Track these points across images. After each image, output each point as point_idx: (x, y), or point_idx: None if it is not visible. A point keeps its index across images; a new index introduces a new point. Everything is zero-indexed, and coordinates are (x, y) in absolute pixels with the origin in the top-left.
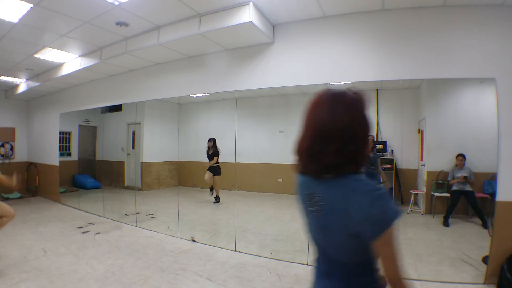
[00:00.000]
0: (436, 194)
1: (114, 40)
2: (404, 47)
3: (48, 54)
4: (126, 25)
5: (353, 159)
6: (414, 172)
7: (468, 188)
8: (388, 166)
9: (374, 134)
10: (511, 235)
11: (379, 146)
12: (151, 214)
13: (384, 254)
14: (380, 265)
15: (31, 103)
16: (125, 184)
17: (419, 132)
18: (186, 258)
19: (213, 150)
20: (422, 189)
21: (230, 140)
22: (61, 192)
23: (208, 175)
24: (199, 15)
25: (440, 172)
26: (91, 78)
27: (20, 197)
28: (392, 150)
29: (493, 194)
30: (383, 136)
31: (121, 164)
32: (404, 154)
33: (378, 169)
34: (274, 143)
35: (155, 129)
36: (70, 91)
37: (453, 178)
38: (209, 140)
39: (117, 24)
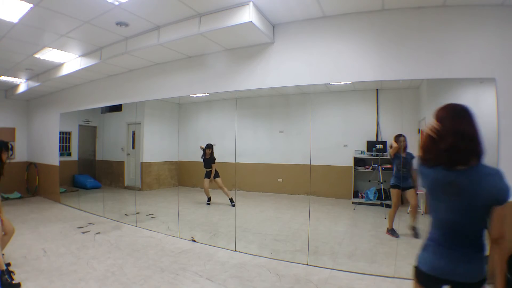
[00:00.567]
0: None
1: (114, 40)
2: (404, 47)
3: (48, 54)
4: (126, 25)
5: (478, 154)
6: (414, 172)
7: None
8: (388, 166)
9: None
10: (511, 235)
11: (379, 146)
12: (151, 214)
13: (500, 216)
14: (491, 226)
15: (31, 103)
16: (125, 184)
17: (419, 132)
18: (186, 258)
19: (210, 156)
20: (422, 189)
21: (230, 140)
22: (61, 192)
23: (207, 183)
24: (199, 15)
25: None
26: (91, 78)
27: (20, 197)
28: None
29: None
30: (383, 136)
31: (121, 164)
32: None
33: (411, 170)
34: (274, 143)
35: (155, 129)
36: (70, 91)
37: None
38: (208, 147)
39: (117, 24)
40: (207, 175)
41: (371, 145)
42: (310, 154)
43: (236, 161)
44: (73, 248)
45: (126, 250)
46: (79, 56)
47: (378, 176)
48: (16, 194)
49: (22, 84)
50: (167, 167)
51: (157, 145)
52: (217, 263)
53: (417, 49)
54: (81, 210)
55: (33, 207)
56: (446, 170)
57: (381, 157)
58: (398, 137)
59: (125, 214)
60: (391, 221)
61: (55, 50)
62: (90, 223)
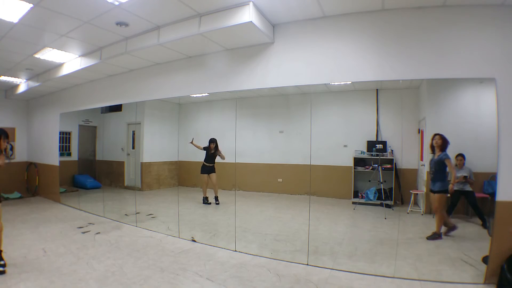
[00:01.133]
0: None
1: (114, 40)
2: (404, 47)
3: (48, 54)
4: (126, 25)
5: None
6: (414, 172)
7: (468, 188)
8: (388, 166)
9: (375, 133)
10: (511, 235)
11: (379, 146)
12: (151, 214)
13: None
14: None
15: (31, 103)
16: (125, 184)
17: (419, 132)
18: (186, 258)
19: (214, 151)
20: (422, 189)
21: (230, 140)
22: (61, 192)
23: (205, 178)
24: (199, 15)
25: None
26: (91, 78)
27: (20, 197)
28: (392, 150)
29: (493, 194)
30: (383, 136)
31: (121, 164)
32: (404, 154)
33: (448, 171)
34: (274, 143)
35: (155, 129)
36: (70, 91)
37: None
38: (212, 141)
39: (117, 24)
40: (207, 170)
41: (371, 145)
42: (310, 154)
43: (236, 161)
44: (73, 248)
45: (126, 250)
46: (79, 56)
47: (378, 176)
48: (16, 194)
49: (22, 84)
50: (167, 167)
51: (157, 145)
52: (217, 263)
53: (417, 49)
54: (81, 210)
55: (33, 207)
56: None
57: (381, 157)
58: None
59: (125, 214)
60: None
61: (55, 50)
62: (90, 223)
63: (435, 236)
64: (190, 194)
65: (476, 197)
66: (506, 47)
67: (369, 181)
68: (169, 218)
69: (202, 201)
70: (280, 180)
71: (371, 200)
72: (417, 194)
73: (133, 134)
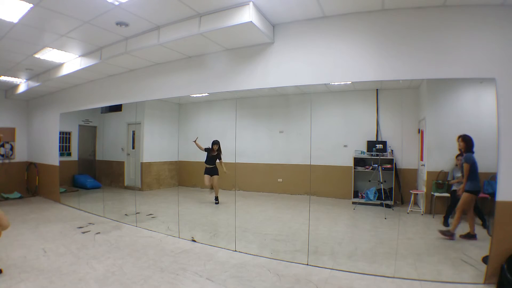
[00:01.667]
0: (436, 194)
1: (114, 40)
2: (404, 47)
3: (48, 54)
4: (126, 25)
5: None
6: (414, 172)
7: None
8: (388, 166)
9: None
10: (511, 235)
11: (379, 146)
12: (151, 214)
13: None
14: None
15: (31, 103)
16: (125, 184)
17: (419, 132)
18: (186, 258)
19: (217, 152)
20: (422, 189)
21: (230, 140)
22: (61, 192)
23: (207, 178)
24: (199, 15)
25: (440, 172)
26: (91, 78)
27: (20, 197)
28: (392, 150)
29: (493, 194)
30: (383, 136)
31: (121, 164)
32: (404, 154)
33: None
34: (274, 143)
35: (155, 129)
36: (70, 91)
37: (453, 178)
38: (216, 143)
39: (117, 24)
40: (209, 172)
41: (371, 145)
42: (310, 154)
43: (236, 161)
44: (73, 248)
45: (126, 250)
46: (79, 56)
47: (378, 176)
48: (16, 194)
49: (22, 84)
50: (167, 167)
51: (157, 145)
52: (217, 263)
53: (417, 49)
54: (81, 210)
55: (33, 207)
56: None
57: (381, 157)
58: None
59: (125, 214)
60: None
61: (55, 50)
62: (90, 223)
63: (449, 234)
64: (190, 194)
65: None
66: (506, 47)
67: (369, 181)
68: (169, 218)
69: (214, 201)
70: (280, 180)
71: (371, 200)
72: (417, 194)
73: (133, 134)
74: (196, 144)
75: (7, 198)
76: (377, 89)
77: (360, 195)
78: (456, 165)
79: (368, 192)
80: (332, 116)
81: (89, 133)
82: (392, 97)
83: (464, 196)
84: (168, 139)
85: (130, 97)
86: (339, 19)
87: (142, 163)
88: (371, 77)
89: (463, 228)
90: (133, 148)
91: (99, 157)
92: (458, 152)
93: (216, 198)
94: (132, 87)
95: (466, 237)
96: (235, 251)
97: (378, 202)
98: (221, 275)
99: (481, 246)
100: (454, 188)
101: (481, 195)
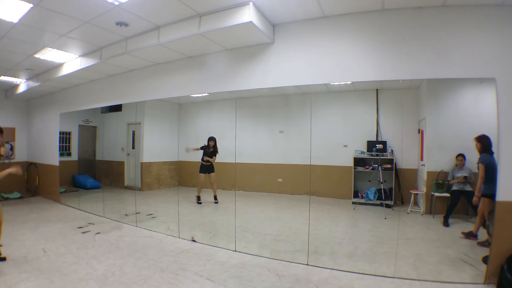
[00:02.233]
0: (436, 194)
1: (114, 40)
2: (404, 47)
3: (48, 54)
4: (126, 25)
5: None
6: (414, 172)
7: (468, 188)
8: (388, 166)
9: (375, 133)
10: (511, 235)
11: (379, 146)
12: (151, 214)
13: None
14: None
15: (31, 103)
16: (125, 184)
17: (419, 132)
18: (186, 258)
19: (213, 148)
20: (422, 189)
21: (230, 140)
22: (61, 192)
23: (202, 177)
24: (199, 15)
25: (440, 172)
26: (91, 78)
27: (20, 197)
28: (392, 150)
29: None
30: (383, 136)
31: (121, 164)
32: (404, 154)
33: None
34: (274, 143)
35: (155, 129)
36: (70, 91)
37: (453, 178)
38: (212, 139)
39: (117, 24)
40: (205, 169)
41: (371, 145)
42: (310, 154)
43: (236, 161)
44: (73, 248)
45: (126, 250)
46: (79, 56)
47: (378, 176)
48: (16, 194)
49: (22, 84)
50: (167, 167)
51: (157, 145)
52: (217, 263)
53: (417, 49)
54: (81, 210)
55: (33, 207)
56: None
57: (381, 157)
58: None
59: (125, 214)
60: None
61: (55, 50)
62: (90, 223)
63: (472, 235)
64: (190, 194)
65: None
66: (506, 47)
67: (369, 181)
68: (169, 218)
69: (213, 200)
70: (280, 180)
71: (371, 200)
72: (417, 194)
73: (133, 134)
74: (192, 150)
75: (7, 198)
76: (377, 89)
77: (360, 195)
78: (456, 165)
79: (368, 192)
80: (332, 116)
81: (89, 133)
82: (392, 97)
83: (483, 201)
84: (168, 139)
85: (130, 97)
86: (339, 19)
87: (142, 163)
88: (371, 77)
89: (465, 226)
90: (133, 148)
91: (99, 157)
92: (458, 152)
93: (215, 197)
94: (132, 87)
95: (468, 235)
96: (235, 251)
97: (378, 202)
98: (221, 275)
99: (481, 246)
100: (454, 188)
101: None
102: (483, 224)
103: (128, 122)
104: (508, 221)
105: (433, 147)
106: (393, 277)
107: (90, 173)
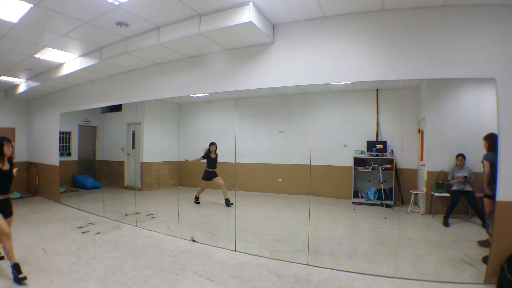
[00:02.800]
0: (436, 194)
1: (114, 40)
2: (404, 47)
3: (48, 54)
4: (126, 25)
5: None
6: (414, 172)
7: (468, 188)
8: (388, 166)
9: (375, 133)
10: (511, 235)
11: (379, 146)
12: (151, 214)
13: None
14: None
15: (31, 103)
16: (125, 184)
17: (419, 132)
18: (186, 258)
19: (216, 154)
20: (422, 189)
21: (230, 140)
22: (61, 192)
23: (204, 184)
24: (199, 15)
25: (440, 172)
26: (91, 78)
27: (20, 197)
28: (392, 150)
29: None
30: (383, 136)
31: (121, 164)
32: (404, 154)
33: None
34: (274, 143)
35: (155, 129)
36: (70, 91)
37: (453, 178)
38: (213, 144)
39: (117, 24)
40: (210, 176)
41: (371, 145)
42: (310, 154)
43: (236, 161)
44: (73, 248)
45: (126, 250)
46: (79, 56)
47: (378, 176)
48: (16, 194)
49: (22, 84)
50: (167, 167)
51: (157, 145)
52: (217, 263)
53: (417, 49)
54: (81, 210)
55: (33, 207)
56: None
57: (381, 157)
58: None
59: (125, 214)
60: None
61: (55, 50)
62: (90, 223)
63: (488, 244)
64: (190, 194)
65: (476, 197)
66: (506, 47)
67: (369, 181)
68: (169, 218)
69: (224, 203)
70: (280, 180)
71: (371, 200)
72: (417, 194)
73: (133, 134)
74: (192, 162)
75: None
76: (377, 89)
77: (360, 195)
78: (456, 165)
79: (368, 192)
80: (332, 116)
81: (89, 133)
82: (392, 97)
83: (487, 202)
84: (168, 139)
85: (130, 97)
86: (339, 19)
87: (142, 163)
88: (371, 77)
89: (465, 227)
90: (133, 148)
91: (99, 157)
92: (458, 152)
93: (228, 200)
94: (132, 87)
95: (483, 243)
96: (235, 251)
97: (378, 202)
98: (221, 275)
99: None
100: (454, 188)
101: (481, 195)
102: (483, 224)
103: (128, 122)
104: (508, 221)
105: (433, 147)
106: (393, 277)
107: (90, 173)
